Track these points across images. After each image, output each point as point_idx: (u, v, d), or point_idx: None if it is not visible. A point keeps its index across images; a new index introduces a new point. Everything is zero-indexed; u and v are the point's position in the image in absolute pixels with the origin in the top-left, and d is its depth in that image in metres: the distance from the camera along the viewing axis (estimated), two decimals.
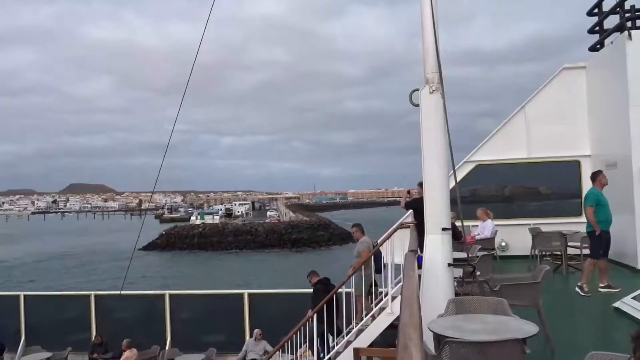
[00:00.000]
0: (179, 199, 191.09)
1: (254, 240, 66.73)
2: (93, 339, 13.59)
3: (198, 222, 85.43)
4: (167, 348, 13.35)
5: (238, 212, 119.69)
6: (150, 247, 66.24)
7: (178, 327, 13.72)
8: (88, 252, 63.06)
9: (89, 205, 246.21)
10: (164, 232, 72.68)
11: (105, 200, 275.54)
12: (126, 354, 12.36)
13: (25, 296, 15.01)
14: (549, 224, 11.51)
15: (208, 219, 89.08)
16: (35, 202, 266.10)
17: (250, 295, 13.48)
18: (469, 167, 12.80)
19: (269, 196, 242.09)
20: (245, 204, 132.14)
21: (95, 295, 14.45)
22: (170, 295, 13.99)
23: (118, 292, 13.44)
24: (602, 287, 8.19)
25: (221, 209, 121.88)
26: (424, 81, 5.83)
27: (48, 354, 13.38)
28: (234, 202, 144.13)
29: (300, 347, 9.34)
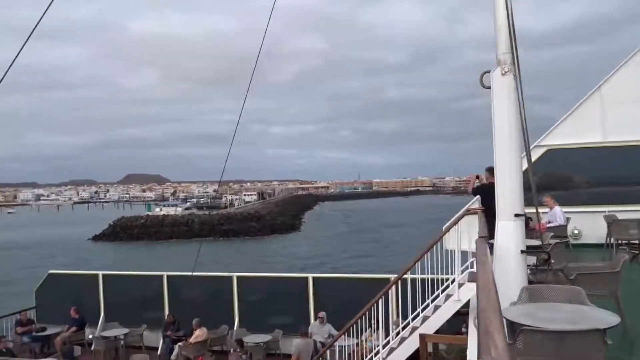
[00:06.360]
0: (211, 188, 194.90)
1: (189, 231, 70.13)
2: (166, 317, 14.26)
3: (149, 213, 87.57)
4: (235, 328, 13.84)
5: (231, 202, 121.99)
6: (98, 237, 70.67)
7: (245, 308, 14.14)
8: (40, 242, 66.24)
9: (127, 196, 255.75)
10: (111, 223, 75.75)
11: (144, 191, 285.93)
12: (197, 332, 12.89)
13: (103, 275, 15.93)
14: (626, 212, 10.91)
15: (171, 210, 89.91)
16: (80, 193, 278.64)
17: (314, 279, 13.69)
18: (539, 152, 12.35)
19: (300, 186, 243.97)
20: (252, 195, 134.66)
21: (168, 276, 15.09)
22: (238, 277, 14.44)
23: (189, 273, 14.00)
24: None
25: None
26: (495, 62, 5.66)
27: (125, 330, 14.20)
28: (244, 193, 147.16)
29: (365, 331, 9.42)
